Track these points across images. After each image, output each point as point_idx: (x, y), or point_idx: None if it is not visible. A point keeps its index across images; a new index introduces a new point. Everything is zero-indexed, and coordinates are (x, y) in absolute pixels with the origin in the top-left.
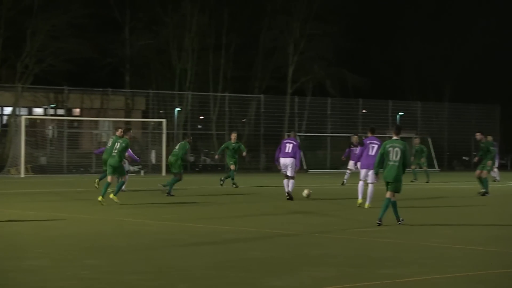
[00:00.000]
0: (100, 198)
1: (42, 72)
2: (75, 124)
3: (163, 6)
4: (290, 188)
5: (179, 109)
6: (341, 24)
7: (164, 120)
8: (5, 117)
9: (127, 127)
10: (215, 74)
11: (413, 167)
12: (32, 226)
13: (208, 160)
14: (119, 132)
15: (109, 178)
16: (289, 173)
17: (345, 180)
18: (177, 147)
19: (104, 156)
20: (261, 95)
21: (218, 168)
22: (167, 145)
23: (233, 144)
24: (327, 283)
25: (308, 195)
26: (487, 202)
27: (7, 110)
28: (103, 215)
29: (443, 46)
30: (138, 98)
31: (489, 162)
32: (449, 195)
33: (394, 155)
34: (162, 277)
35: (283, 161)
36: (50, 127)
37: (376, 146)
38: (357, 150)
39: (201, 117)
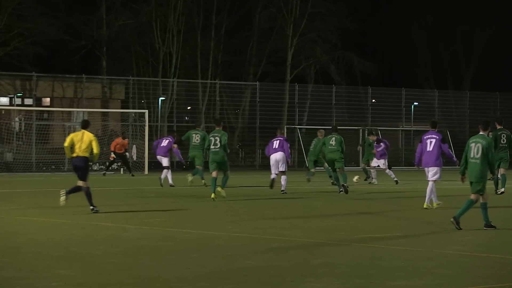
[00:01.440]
0: (212, 195)
1: (7, 56)
2: (45, 115)
3: None
4: (283, 185)
5: (163, 98)
6: (346, 2)
7: (146, 111)
8: None
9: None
10: (204, 58)
11: (364, 165)
12: None
13: None
14: (218, 127)
15: (214, 174)
16: (281, 168)
17: (374, 179)
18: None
19: (193, 153)
20: (257, 83)
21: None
22: (150, 139)
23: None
24: None
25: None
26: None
27: None
28: (77, 219)
29: (462, 27)
30: (117, 86)
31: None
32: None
33: (476, 151)
34: None
35: (274, 156)
36: (17, 119)
37: (434, 141)
38: (380, 148)
39: (189, 108)
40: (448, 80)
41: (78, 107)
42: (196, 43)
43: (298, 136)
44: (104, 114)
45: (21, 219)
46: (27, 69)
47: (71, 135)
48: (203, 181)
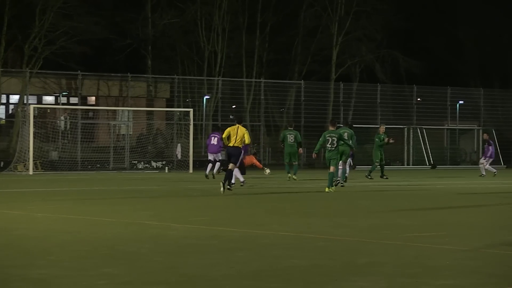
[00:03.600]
0: (327, 189)
1: (52, 55)
2: (90, 114)
3: None
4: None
5: (208, 97)
6: (392, 0)
7: (191, 110)
8: (11, 106)
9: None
10: (249, 57)
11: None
12: (42, 230)
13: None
14: (332, 127)
15: (331, 169)
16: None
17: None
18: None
19: (288, 150)
20: (302, 81)
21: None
22: (194, 138)
23: (382, 136)
24: None
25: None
26: None
27: (14, 98)
28: (123, 218)
29: (510, 25)
30: (162, 84)
31: None
32: None
33: None
34: None
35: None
36: (62, 118)
37: None
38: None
39: (233, 106)
40: (494, 79)
41: (123, 106)
42: (241, 41)
43: None
44: (149, 112)
45: (66, 217)
46: (72, 68)
47: (229, 128)
48: (294, 176)
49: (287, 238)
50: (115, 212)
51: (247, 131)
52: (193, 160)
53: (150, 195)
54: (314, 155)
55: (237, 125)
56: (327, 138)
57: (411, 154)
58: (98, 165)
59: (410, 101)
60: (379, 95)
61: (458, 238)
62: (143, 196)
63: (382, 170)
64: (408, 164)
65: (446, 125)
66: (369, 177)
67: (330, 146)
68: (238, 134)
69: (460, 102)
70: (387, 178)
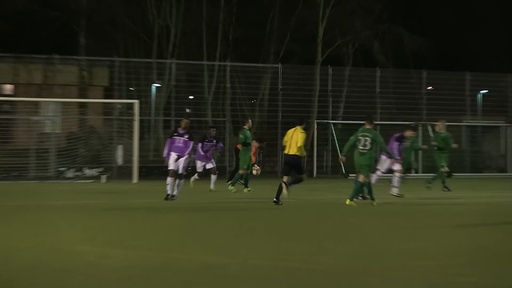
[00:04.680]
0: (347, 202)
1: None
2: (6, 107)
3: None
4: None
5: (158, 85)
6: None
7: (136, 101)
8: None
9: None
10: (211, 34)
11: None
12: None
13: None
14: (369, 125)
15: (360, 178)
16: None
17: None
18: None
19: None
20: (279, 65)
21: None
22: (141, 138)
23: (443, 135)
24: None
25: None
26: None
27: None
28: (45, 242)
29: None
30: (99, 69)
31: None
32: None
33: None
34: None
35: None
36: None
37: None
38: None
39: (191, 97)
40: None
41: (48, 97)
42: (201, 14)
43: (332, 134)
44: (81, 105)
45: None
46: None
47: (288, 131)
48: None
49: (258, 269)
50: (35, 234)
51: (303, 134)
52: (139, 167)
53: (82, 212)
54: (342, 159)
55: (297, 127)
56: (359, 138)
57: (420, 158)
58: (15, 174)
59: (418, 90)
60: (378, 82)
61: (482, 268)
62: (73, 214)
63: (435, 178)
64: (416, 172)
65: (465, 121)
66: (445, 189)
67: (362, 148)
68: (293, 139)
69: (483, 91)
70: (430, 187)
